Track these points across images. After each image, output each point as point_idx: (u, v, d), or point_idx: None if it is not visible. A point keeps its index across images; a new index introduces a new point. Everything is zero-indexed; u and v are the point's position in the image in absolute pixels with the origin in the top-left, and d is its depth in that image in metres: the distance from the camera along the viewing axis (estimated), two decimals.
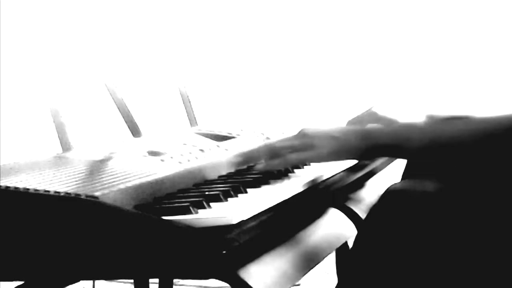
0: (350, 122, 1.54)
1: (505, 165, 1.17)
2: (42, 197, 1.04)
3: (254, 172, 1.34)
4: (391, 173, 1.66)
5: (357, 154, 1.27)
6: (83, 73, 1.55)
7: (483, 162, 1.20)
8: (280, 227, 1.18)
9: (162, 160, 1.32)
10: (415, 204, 1.15)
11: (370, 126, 1.45)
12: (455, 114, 1.57)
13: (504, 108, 1.51)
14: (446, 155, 1.21)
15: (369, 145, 1.24)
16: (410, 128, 1.29)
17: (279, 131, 1.75)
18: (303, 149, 1.27)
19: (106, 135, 1.52)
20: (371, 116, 1.53)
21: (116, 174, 1.20)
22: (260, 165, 1.31)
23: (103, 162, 1.29)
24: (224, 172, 1.39)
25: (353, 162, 1.53)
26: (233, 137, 1.62)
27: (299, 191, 1.25)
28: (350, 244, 1.25)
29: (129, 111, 1.59)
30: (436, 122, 1.48)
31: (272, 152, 1.30)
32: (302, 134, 1.29)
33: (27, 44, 1.45)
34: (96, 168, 1.24)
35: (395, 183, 1.22)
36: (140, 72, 1.74)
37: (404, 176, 1.45)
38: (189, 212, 1.05)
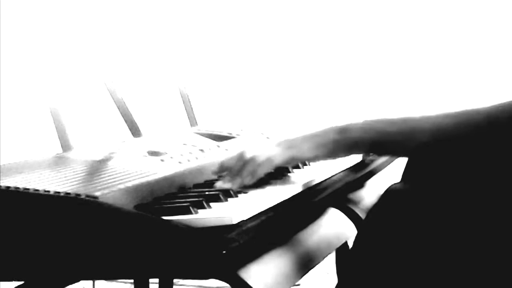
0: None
1: (502, 157, 1.17)
2: (42, 197, 1.04)
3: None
4: (391, 173, 1.66)
5: (335, 148, 1.27)
6: (83, 73, 1.55)
7: (469, 154, 1.20)
8: (280, 227, 1.18)
9: (162, 160, 1.32)
10: (415, 204, 1.15)
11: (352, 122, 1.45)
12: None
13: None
14: (428, 151, 1.22)
15: (346, 138, 1.26)
16: (390, 123, 1.29)
17: (279, 131, 1.75)
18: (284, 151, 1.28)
19: (106, 135, 1.52)
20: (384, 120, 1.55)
21: (116, 174, 1.20)
22: (246, 179, 1.26)
23: (103, 162, 1.29)
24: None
25: (353, 161, 1.53)
26: (233, 137, 1.62)
27: (299, 191, 1.25)
28: (350, 244, 1.25)
29: (129, 111, 1.59)
30: (418, 117, 1.48)
31: (256, 168, 1.26)
32: (278, 142, 1.29)
33: (27, 44, 1.45)
34: (96, 168, 1.25)
35: (395, 183, 1.22)
36: (140, 72, 1.74)
37: (404, 176, 1.45)
38: (189, 212, 1.05)
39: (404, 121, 1.27)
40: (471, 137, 1.18)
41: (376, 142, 1.25)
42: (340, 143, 1.26)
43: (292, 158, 1.28)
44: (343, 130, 1.27)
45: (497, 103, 1.18)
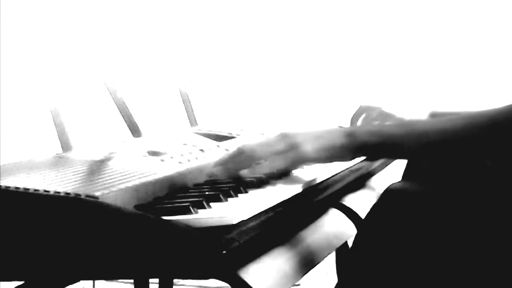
0: (354, 118, 1.59)
1: (501, 158, 1.18)
2: (42, 197, 1.04)
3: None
4: (391, 173, 1.66)
5: (341, 152, 1.26)
6: (83, 73, 1.55)
7: (473, 156, 1.20)
8: (280, 227, 1.18)
9: (162, 160, 1.32)
10: (415, 204, 1.15)
11: (357, 126, 1.44)
12: (457, 111, 1.59)
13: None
14: (433, 153, 1.22)
15: (352, 142, 1.24)
16: (396, 126, 1.28)
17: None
18: (286, 151, 1.25)
19: (106, 135, 1.52)
20: (379, 113, 1.57)
21: (116, 174, 1.19)
22: (245, 172, 1.28)
23: (103, 162, 1.29)
24: None
25: (350, 162, 1.53)
26: (233, 137, 1.62)
27: (299, 191, 1.25)
28: (350, 244, 1.25)
29: (129, 111, 1.59)
30: (424, 120, 1.50)
31: (253, 159, 1.28)
32: (283, 135, 1.27)
33: (27, 44, 1.45)
34: (96, 168, 1.24)
35: (395, 183, 1.22)
36: (140, 72, 1.74)
37: (404, 176, 1.45)
38: (189, 212, 1.05)
39: (409, 124, 1.26)
40: (474, 140, 1.18)
41: (381, 145, 1.23)
42: (346, 147, 1.25)
43: (294, 162, 1.26)
44: (349, 134, 1.25)
45: (501, 106, 1.18)
